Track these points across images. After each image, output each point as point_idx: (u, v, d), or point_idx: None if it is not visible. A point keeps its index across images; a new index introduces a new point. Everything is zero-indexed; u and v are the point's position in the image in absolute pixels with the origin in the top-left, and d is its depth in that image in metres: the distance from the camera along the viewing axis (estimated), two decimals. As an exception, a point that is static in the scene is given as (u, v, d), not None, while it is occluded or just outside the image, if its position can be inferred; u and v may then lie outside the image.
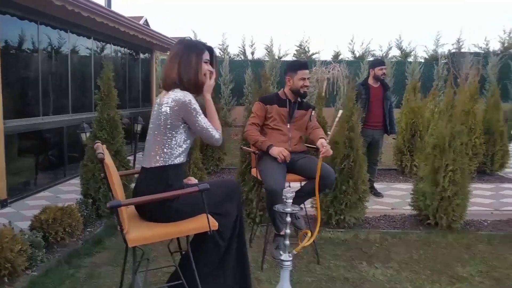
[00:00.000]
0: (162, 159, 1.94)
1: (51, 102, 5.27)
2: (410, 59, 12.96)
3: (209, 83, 2.07)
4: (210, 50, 2.11)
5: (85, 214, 3.51)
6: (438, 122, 3.68)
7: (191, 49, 2.03)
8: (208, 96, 2.08)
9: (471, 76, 10.96)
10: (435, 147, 3.63)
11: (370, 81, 4.76)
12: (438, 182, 3.58)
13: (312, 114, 3.13)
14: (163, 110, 1.94)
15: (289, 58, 13.21)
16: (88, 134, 4.13)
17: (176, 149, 1.96)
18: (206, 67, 2.06)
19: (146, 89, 8.92)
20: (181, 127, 1.96)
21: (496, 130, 5.76)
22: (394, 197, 4.88)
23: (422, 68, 12.35)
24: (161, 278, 2.61)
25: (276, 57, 12.87)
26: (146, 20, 23.04)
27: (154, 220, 1.92)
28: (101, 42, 6.69)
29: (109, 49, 7.07)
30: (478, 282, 2.76)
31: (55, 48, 5.38)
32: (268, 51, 13.05)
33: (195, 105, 1.94)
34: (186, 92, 1.97)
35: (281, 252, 2.40)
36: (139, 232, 1.80)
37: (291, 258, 2.39)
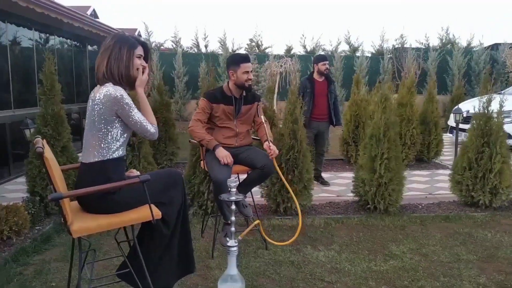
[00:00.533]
0: (100, 154, 1.98)
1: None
2: (358, 54, 13.54)
3: (142, 78, 2.09)
4: (144, 45, 2.13)
5: (32, 212, 3.45)
6: (374, 114, 3.95)
7: (123, 43, 2.04)
8: (140, 90, 2.10)
9: (412, 70, 11.69)
10: (371, 137, 3.92)
11: (315, 75, 4.99)
12: (375, 170, 3.88)
13: (258, 107, 3.17)
14: (95, 106, 1.97)
15: (242, 51, 13.33)
16: (32, 130, 4.02)
17: (113, 144, 2.00)
18: (139, 62, 2.08)
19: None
20: (116, 121, 1.99)
21: (431, 121, 6.25)
22: (339, 185, 5.18)
23: (369, 62, 12.95)
24: (113, 271, 2.66)
25: (230, 50, 12.95)
26: (94, 10, 22.04)
27: (98, 213, 1.97)
28: (44, 34, 6.43)
29: (54, 41, 6.81)
30: (408, 258, 3.07)
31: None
32: (222, 44, 13.10)
33: (128, 99, 1.97)
34: (117, 87, 1.98)
35: (227, 239, 2.55)
36: (82, 223, 1.86)
37: (237, 244, 2.54)
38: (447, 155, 6.89)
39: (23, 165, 5.18)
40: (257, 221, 2.67)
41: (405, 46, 13.51)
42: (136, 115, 2.01)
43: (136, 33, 20.85)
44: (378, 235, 3.53)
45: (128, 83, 2.07)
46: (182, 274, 2.33)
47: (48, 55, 3.79)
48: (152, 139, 2.16)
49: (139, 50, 2.09)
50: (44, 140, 2.02)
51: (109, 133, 1.98)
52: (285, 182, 2.99)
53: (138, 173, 2.22)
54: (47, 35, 6.52)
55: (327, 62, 4.97)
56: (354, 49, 13.97)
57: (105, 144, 1.98)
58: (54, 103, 3.77)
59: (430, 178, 5.59)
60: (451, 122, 8.09)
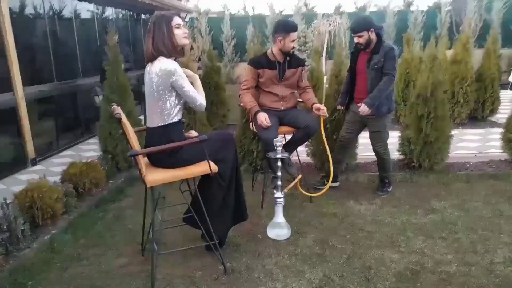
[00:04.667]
0: (162, 120, 2.27)
1: (63, 68, 5.60)
2: (413, 8, 12.81)
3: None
4: (178, 14, 2.33)
5: (106, 168, 3.97)
6: (421, 73, 3.94)
7: (160, 20, 2.24)
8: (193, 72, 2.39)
9: (472, 22, 10.91)
10: (418, 96, 3.93)
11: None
12: (422, 129, 3.93)
13: (303, 72, 3.31)
14: (153, 79, 2.23)
15: (289, 12, 13.16)
16: (101, 97, 4.50)
17: (172, 110, 2.28)
18: (181, 31, 2.27)
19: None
20: (173, 91, 2.25)
21: (488, 77, 5.99)
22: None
23: (424, 17, 12.23)
24: (178, 216, 3.08)
25: (277, 12, 12.84)
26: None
27: (165, 167, 2.32)
28: (101, 6, 6.87)
29: (110, 12, 7.24)
30: (449, 213, 3.19)
31: (60, 14, 5.62)
32: (269, 6, 12.99)
33: (180, 71, 2.21)
34: (171, 60, 2.22)
35: (275, 191, 2.85)
36: (153, 176, 2.23)
37: (283, 196, 2.84)
38: (505, 113, 6.58)
39: (92, 127, 5.83)
40: (299, 176, 2.95)
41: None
42: (188, 85, 2.27)
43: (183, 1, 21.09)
44: (421, 191, 3.64)
45: (176, 53, 2.30)
46: (237, 221, 2.68)
47: (111, 30, 4.14)
48: (199, 110, 2.42)
49: (176, 20, 2.28)
50: (118, 106, 2.36)
51: (168, 101, 2.26)
52: (325, 144, 3.19)
53: (197, 134, 2.54)
54: (104, 7, 6.96)
55: (362, 34, 3.23)
56: (408, 4, 13.24)
57: (166, 111, 2.27)
58: (118, 73, 4.18)
59: (482, 137, 5.47)
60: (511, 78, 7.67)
